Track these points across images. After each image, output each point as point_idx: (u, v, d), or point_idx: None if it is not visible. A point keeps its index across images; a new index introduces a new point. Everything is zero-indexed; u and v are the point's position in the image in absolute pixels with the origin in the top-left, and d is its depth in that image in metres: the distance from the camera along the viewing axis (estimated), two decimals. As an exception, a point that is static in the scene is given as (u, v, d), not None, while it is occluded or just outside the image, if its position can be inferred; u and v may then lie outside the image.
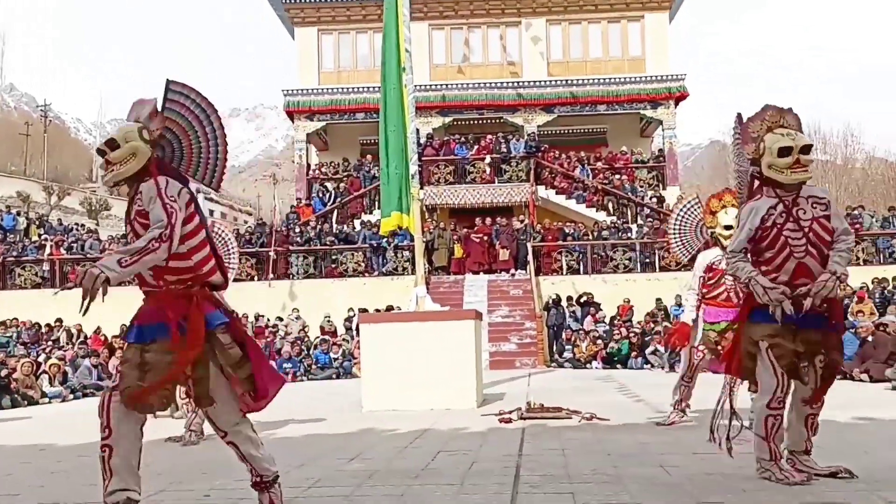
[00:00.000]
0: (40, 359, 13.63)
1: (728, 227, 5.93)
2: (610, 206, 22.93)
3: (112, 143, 3.37)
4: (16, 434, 7.70)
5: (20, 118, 75.54)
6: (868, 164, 45.17)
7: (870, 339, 11.57)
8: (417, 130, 22.95)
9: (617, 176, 23.79)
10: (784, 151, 3.88)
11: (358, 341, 12.96)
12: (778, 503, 3.40)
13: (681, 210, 6.76)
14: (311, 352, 16.43)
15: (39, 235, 23.00)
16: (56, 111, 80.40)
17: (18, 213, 26.68)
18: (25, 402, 11.36)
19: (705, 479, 3.92)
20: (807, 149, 3.93)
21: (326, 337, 16.89)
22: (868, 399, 8.25)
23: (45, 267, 20.18)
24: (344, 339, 16.81)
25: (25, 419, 9.53)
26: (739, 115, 4.22)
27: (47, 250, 20.76)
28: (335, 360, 16.03)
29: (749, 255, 4.03)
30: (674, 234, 6.76)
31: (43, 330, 17.66)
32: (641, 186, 23.86)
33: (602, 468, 4.35)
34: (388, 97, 9.19)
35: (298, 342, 16.57)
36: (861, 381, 10.53)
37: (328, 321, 17.97)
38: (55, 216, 35.38)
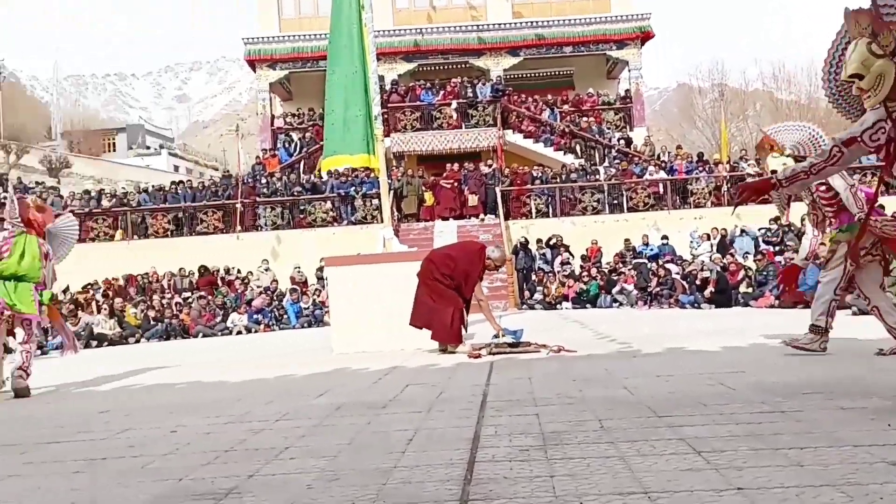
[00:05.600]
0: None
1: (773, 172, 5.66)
2: (578, 148, 22.94)
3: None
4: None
5: (-28, 77, 73.06)
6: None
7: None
8: (382, 77, 22.75)
9: (584, 118, 23.76)
10: None
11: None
12: (727, 412, 3.48)
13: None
14: (282, 302, 16.41)
15: (-1, 194, 22.49)
16: (10, 69, 77.86)
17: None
18: None
19: (667, 398, 3.99)
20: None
21: (296, 287, 16.87)
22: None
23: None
24: (317, 290, 16.80)
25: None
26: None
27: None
28: (305, 309, 16.03)
29: None
30: None
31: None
32: (609, 128, 23.87)
33: (567, 392, 4.41)
34: (340, 37, 8.82)
35: (269, 293, 16.53)
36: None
37: (298, 271, 17.91)
38: (14, 175, 34.58)
